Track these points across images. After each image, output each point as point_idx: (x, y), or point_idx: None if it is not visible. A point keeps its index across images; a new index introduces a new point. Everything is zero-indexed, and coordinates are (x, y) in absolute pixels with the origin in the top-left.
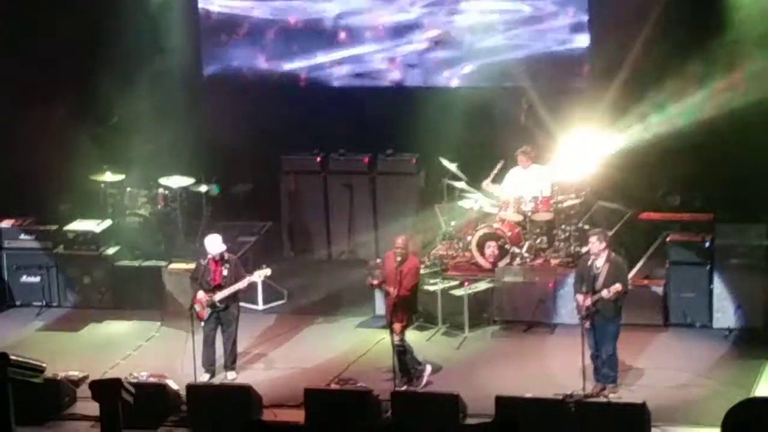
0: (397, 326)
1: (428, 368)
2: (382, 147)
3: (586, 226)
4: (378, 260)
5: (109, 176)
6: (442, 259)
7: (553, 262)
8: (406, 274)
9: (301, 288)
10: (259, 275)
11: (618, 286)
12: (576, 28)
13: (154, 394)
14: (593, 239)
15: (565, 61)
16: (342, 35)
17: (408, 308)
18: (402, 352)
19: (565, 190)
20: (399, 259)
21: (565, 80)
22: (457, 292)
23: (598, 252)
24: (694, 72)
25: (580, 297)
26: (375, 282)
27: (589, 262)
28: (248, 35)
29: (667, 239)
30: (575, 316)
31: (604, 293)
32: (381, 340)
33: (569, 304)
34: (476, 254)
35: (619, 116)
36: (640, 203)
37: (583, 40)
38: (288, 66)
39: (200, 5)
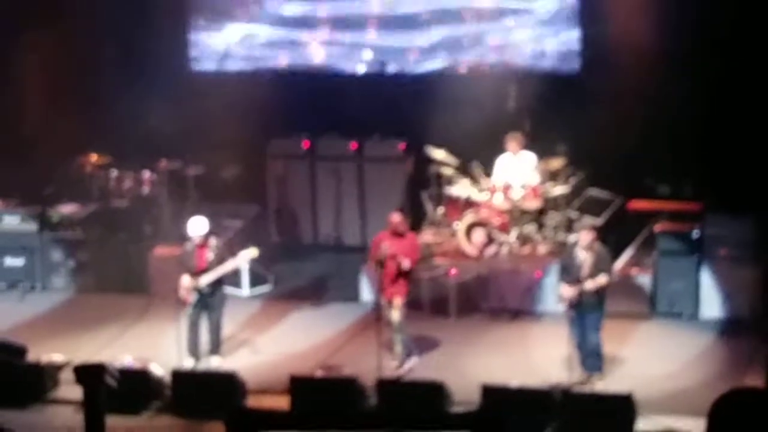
0: (398, 300)
1: (415, 358)
2: (369, 133)
3: (575, 214)
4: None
5: (94, 158)
6: (428, 245)
7: (541, 250)
8: (412, 249)
9: (287, 273)
10: (246, 255)
11: (601, 279)
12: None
13: (137, 379)
14: (584, 233)
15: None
16: (333, 22)
17: (408, 283)
18: (402, 329)
19: (551, 174)
20: (399, 234)
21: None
22: (444, 280)
23: (587, 244)
24: None
25: (564, 287)
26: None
27: (574, 252)
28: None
29: (656, 229)
30: (562, 304)
31: (588, 285)
32: (366, 326)
33: (556, 293)
34: (463, 241)
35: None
36: (629, 192)
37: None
38: (276, 51)
39: None
